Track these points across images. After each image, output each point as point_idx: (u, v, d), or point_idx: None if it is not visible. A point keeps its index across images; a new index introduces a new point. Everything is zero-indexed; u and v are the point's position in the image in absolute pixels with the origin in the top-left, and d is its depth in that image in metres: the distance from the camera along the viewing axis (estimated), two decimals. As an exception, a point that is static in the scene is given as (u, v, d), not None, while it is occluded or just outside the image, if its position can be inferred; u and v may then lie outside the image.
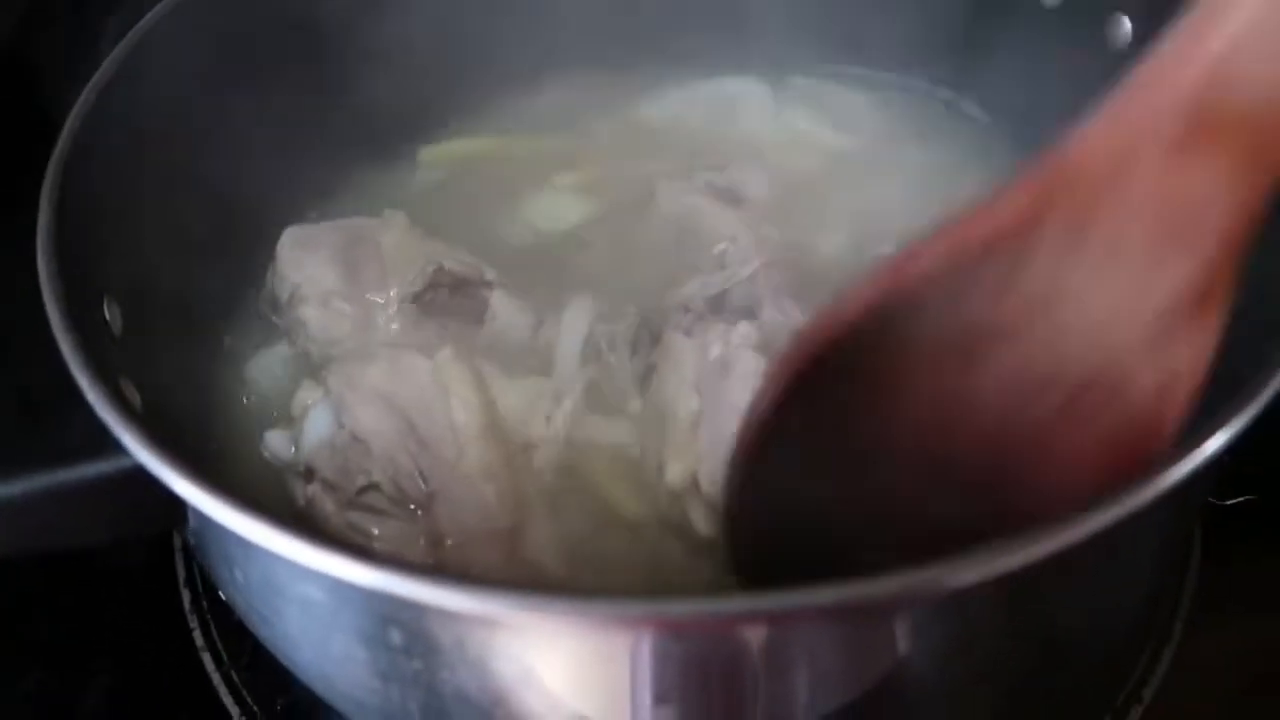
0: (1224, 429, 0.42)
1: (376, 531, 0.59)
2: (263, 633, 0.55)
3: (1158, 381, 0.43)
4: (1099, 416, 0.44)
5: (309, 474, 0.61)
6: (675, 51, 0.87)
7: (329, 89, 0.78)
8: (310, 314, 0.68)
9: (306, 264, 0.70)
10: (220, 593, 0.58)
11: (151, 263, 0.64)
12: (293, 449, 0.64)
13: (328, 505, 0.59)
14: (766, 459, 0.49)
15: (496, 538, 0.59)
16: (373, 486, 0.59)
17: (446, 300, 0.70)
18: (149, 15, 0.67)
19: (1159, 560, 0.58)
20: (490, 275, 0.71)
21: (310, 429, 0.63)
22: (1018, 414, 0.45)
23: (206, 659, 0.71)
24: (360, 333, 0.68)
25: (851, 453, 0.47)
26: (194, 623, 0.73)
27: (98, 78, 0.64)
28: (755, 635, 0.42)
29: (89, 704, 0.71)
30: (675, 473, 0.59)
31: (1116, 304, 0.42)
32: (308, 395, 0.64)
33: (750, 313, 0.64)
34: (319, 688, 0.57)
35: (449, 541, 0.59)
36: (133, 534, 0.51)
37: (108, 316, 0.59)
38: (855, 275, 0.45)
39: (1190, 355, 0.43)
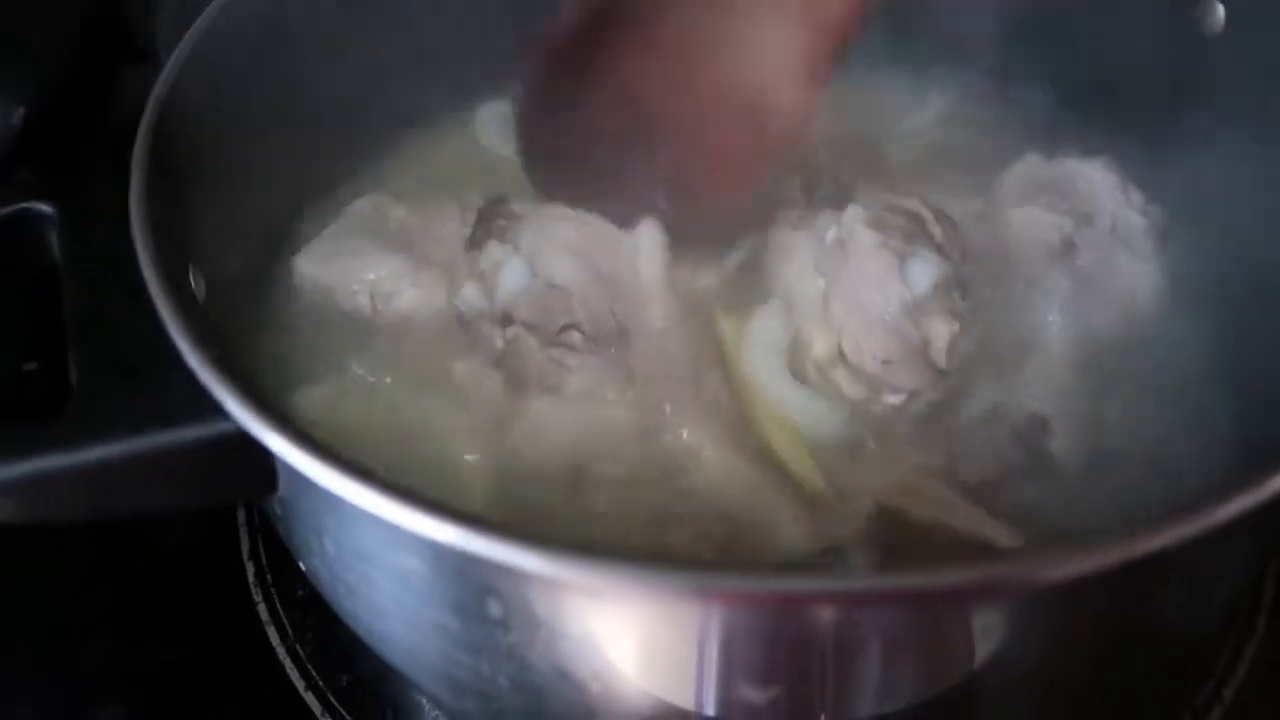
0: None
1: (574, 364, 0.63)
2: (347, 604, 0.55)
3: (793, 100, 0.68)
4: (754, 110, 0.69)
5: (506, 319, 0.65)
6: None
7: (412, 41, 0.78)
8: (408, 302, 0.69)
9: (363, 265, 0.70)
10: (301, 564, 0.57)
11: (233, 235, 0.64)
12: (486, 300, 0.67)
13: (531, 342, 0.63)
14: (543, 103, 0.71)
15: (679, 380, 0.64)
16: (573, 326, 0.64)
17: (486, 233, 0.71)
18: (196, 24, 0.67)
19: (1250, 557, 0.57)
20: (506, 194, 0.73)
21: (506, 280, 0.66)
22: (707, 97, 0.70)
23: (271, 632, 0.71)
24: (454, 292, 0.69)
25: (605, 100, 0.70)
26: (259, 596, 0.73)
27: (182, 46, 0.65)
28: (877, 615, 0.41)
29: (156, 677, 0.71)
30: (821, 347, 0.65)
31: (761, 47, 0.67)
32: (496, 252, 0.68)
33: (841, 199, 0.70)
34: (399, 660, 0.57)
35: (637, 378, 0.64)
36: (227, 500, 0.51)
37: (195, 286, 0.59)
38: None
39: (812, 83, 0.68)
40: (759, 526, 0.58)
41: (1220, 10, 0.70)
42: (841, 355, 0.65)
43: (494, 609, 0.45)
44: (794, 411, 0.64)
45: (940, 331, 0.65)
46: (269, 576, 0.73)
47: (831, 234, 0.67)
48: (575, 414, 0.62)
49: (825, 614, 0.41)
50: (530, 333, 0.64)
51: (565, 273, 0.65)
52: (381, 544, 0.47)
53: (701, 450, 0.62)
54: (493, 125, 0.83)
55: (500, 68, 0.75)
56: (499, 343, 0.65)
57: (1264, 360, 0.64)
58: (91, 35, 0.94)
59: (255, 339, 0.68)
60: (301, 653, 0.70)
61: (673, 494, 0.60)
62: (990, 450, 0.62)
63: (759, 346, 0.66)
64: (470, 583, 0.45)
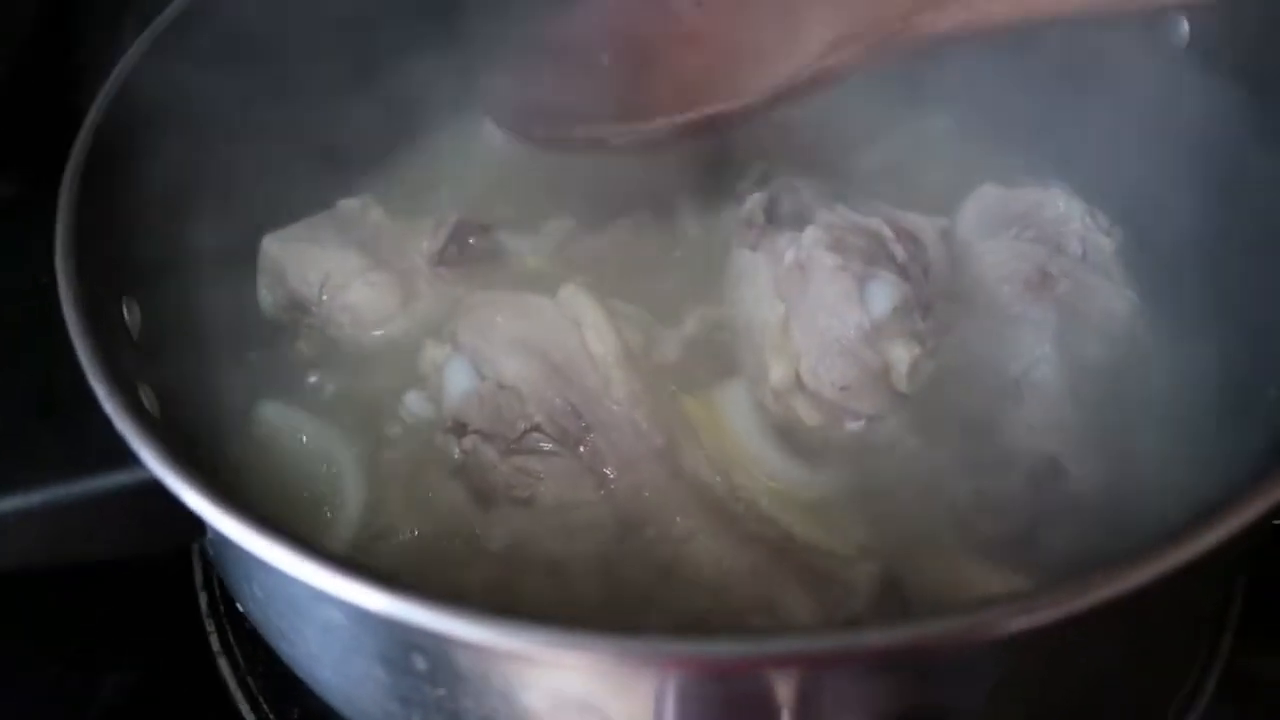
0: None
1: (542, 471, 0.59)
2: (281, 648, 0.54)
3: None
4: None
5: (459, 428, 0.61)
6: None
7: (352, 84, 0.77)
8: (356, 295, 0.69)
9: (323, 255, 0.70)
10: (238, 605, 0.56)
11: (171, 263, 0.63)
12: (433, 407, 0.63)
13: (490, 454, 0.60)
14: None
15: (655, 458, 0.60)
16: (534, 429, 0.60)
17: (457, 252, 0.72)
18: (167, 10, 0.65)
19: (1210, 594, 0.56)
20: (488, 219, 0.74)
21: (451, 384, 0.63)
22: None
23: (223, 664, 0.70)
24: (407, 302, 0.69)
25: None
26: (211, 626, 0.72)
27: (119, 68, 0.63)
28: (788, 678, 0.40)
29: (104, 704, 0.70)
30: (778, 373, 0.63)
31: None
32: (435, 353, 0.64)
33: (802, 219, 0.68)
34: (338, 705, 0.55)
35: (609, 471, 0.59)
36: (153, 547, 0.49)
37: (127, 317, 0.57)
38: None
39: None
40: (761, 611, 0.54)
41: (1185, 26, 0.68)
42: (799, 381, 0.63)
43: (419, 663, 0.44)
44: (792, 478, 0.61)
45: (900, 355, 0.63)
46: (222, 607, 0.72)
47: (790, 256, 0.65)
48: (552, 524, 0.58)
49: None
50: (488, 442, 0.60)
51: (513, 370, 0.61)
52: (305, 596, 0.46)
53: (693, 539, 0.57)
54: (496, 132, 0.80)
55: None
56: (455, 453, 0.61)
57: (1245, 364, 0.63)
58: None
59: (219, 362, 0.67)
60: (253, 685, 0.69)
61: (662, 585, 0.56)
62: (1008, 501, 0.60)
63: (738, 417, 0.64)
64: (393, 638, 0.44)
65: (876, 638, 0.39)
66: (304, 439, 0.63)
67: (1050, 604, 0.39)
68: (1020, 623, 0.39)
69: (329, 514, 0.59)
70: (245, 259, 0.71)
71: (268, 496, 0.59)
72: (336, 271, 0.70)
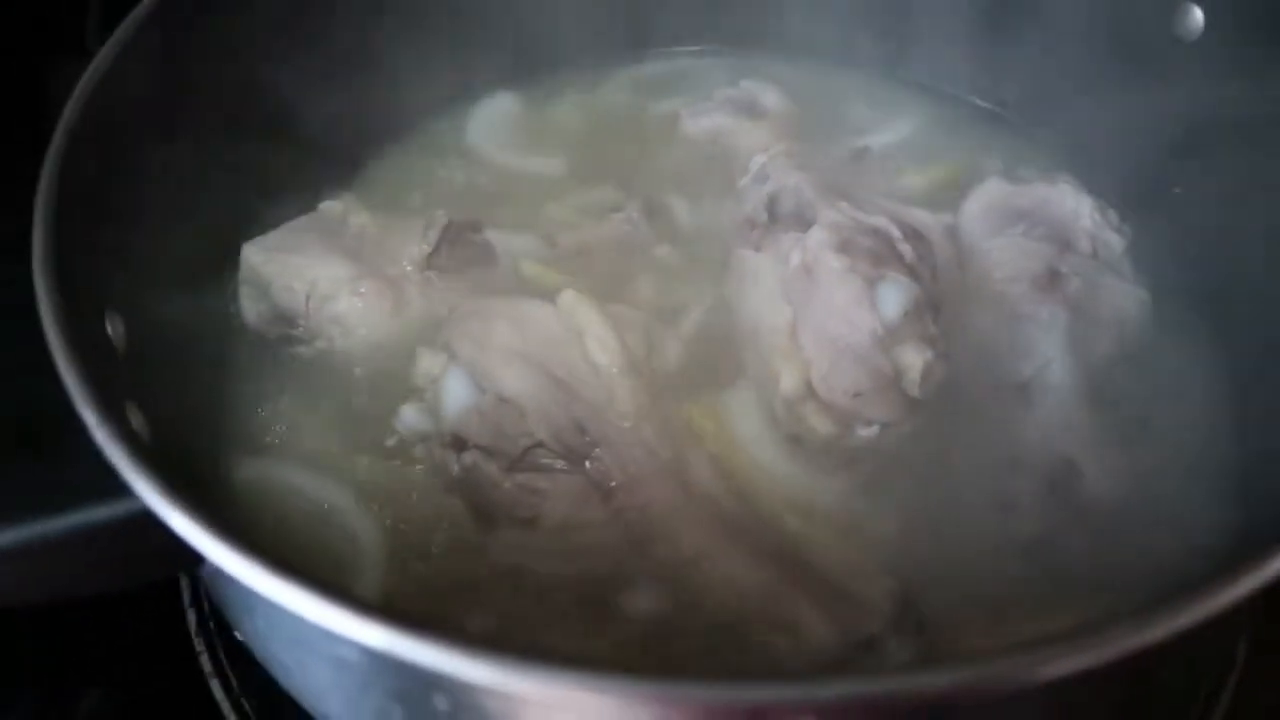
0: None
1: (548, 488, 0.56)
2: (284, 680, 0.51)
3: None
4: None
5: (459, 443, 0.58)
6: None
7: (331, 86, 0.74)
8: (345, 305, 0.65)
9: (308, 264, 0.67)
10: (235, 633, 0.54)
11: (155, 273, 0.60)
12: (430, 421, 0.60)
13: (491, 471, 0.57)
14: None
15: (663, 473, 0.57)
16: (537, 445, 0.57)
17: (448, 255, 0.69)
18: (134, 12, 0.62)
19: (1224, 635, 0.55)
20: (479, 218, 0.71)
21: (449, 398, 0.60)
22: None
23: (215, 685, 0.67)
24: (398, 310, 0.66)
25: None
26: (201, 646, 0.69)
27: (92, 70, 0.59)
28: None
29: (90, 729, 0.67)
30: (789, 382, 0.61)
31: None
32: (430, 364, 0.61)
33: (804, 218, 0.65)
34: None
35: (616, 488, 0.57)
36: (146, 579, 0.47)
37: (110, 332, 0.54)
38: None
39: None
40: (778, 631, 0.52)
41: (1198, 14, 0.67)
42: (811, 389, 0.62)
43: (440, 703, 0.42)
44: (803, 487, 0.60)
45: (913, 360, 0.61)
46: (212, 625, 0.69)
47: (796, 258, 0.63)
48: (558, 545, 0.55)
49: None
50: (489, 459, 0.57)
51: (513, 383, 0.58)
52: (313, 633, 0.43)
53: (703, 557, 0.55)
54: (485, 127, 0.81)
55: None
56: (454, 468, 0.58)
57: (1258, 367, 0.62)
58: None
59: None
60: (246, 706, 0.66)
61: (674, 605, 0.54)
62: (1024, 505, 0.59)
63: (746, 425, 0.62)
64: (413, 677, 0.41)
65: (898, 682, 0.37)
66: (296, 460, 0.61)
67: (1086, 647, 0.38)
68: (1061, 667, 0.37)
69: (341, 550, 0.57)
70: (228, 266, 0.68)
71: (265, 520, 0.56)
72: (323, 281, 0.66)
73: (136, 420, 0.50)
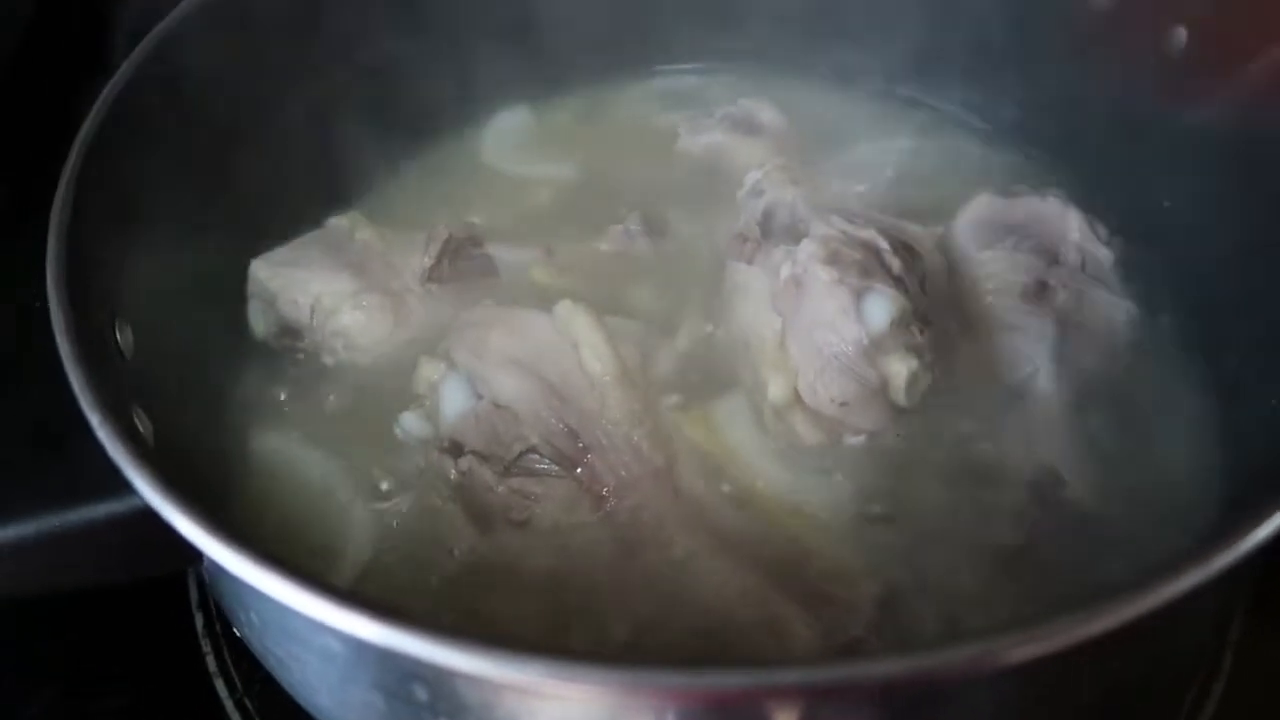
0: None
1: (540, 492, 0.58)
2: (279, 673, 0.53)
3: None
4: None
5: (456, 448, 0.60)
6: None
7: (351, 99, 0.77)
8: (348, 319, 0.68)
9: (313, 278, 0.69)
10: (235, 629, 0.55)
11: (166, 285, 0.62)
12: (430, 427, 0.62)
13: (486, 475, 0.59)
14: None
15: (654, 478, 0.59)
16: (530, 450, 0.59)
17: (449, 268, 0.71)
18: (155, 30, 0.65)
19: (1216, 611, 0.55)
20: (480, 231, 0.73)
21: (447, 404, 0.62)
22: None
23: (219, 685, 0.69)
24: (400, 322, 0.68)
25: None
26: (207, 646, 0.71)
27: (112, 85, 0.62)
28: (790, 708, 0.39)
29: (100, 727, 0.69)
30: (777, 389, 0.62)
31: None
32: (430, 371, 0.63)
33: (797, 231, 0.67)
34: (337, 730, 0.55)
35: (607, 493, 0.58)
36: (149, 573, 0.49)
37: (119, 339, 0.56)
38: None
39: None
40: (764, 634, 0.53)
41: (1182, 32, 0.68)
42: (798, 397, 0.63)
43: (420, 693, 0.43)
44: (792, 493, 0.61)
45: (899, 369, 0.63)
46: (218, 626, 0.71)
47: (786, 271, 0.65)
48: (550, 545, 0.57)
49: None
50: (485, 464, 0.59)
51: (509, 390, 0.60)
52: (302, 625, 0.45)
53: (693, 560, 0.56)
54: (499, 139, 0.83)
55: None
56: (452, 474, 0.60)
57: (1244, 379, 0.63)
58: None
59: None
60: (250, 706, 0.68)
61: (662, 607, 0.55)
62: (1008, 512, 0.60)
63: (736, 432, 0.63)
64: (393, 668, 0.43)
65: (876, 668, 0.38)
66: (302, 466, 0.63)
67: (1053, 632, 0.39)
68: (1023, 653, 0.39)
69: (333, 541, 0.59)
70: (238, 278, 0.70)
71: (268, 521, 0.58)
72: (326, 295, 0.68)
73: (143, 423, 0.52)
